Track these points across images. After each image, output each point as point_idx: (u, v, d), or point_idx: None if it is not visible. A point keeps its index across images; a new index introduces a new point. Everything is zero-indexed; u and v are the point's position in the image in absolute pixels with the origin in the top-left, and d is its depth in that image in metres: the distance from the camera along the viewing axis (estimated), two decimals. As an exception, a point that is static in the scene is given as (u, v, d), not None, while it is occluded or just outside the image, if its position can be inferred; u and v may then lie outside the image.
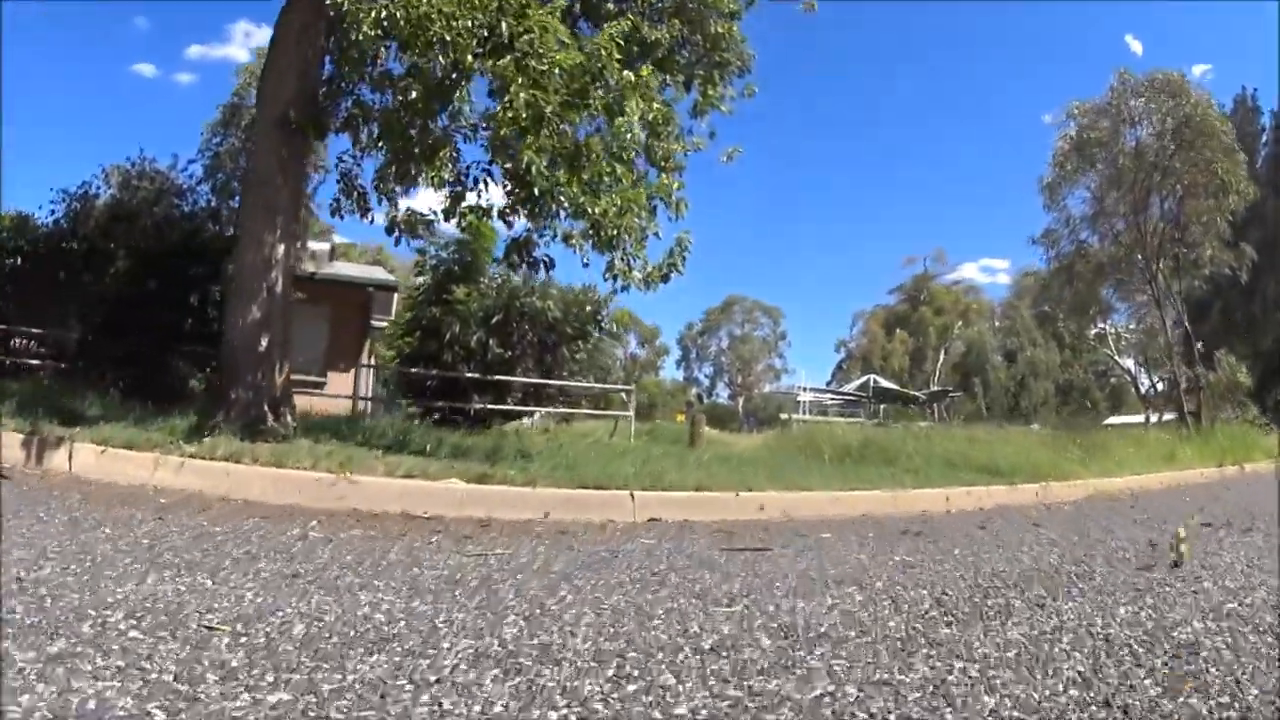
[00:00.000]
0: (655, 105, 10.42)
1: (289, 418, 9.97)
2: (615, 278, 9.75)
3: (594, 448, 12.88)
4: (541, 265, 10.56)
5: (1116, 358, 59.61)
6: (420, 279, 19.68)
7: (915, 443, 15.36)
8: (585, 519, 7.78)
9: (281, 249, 10.17)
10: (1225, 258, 32.57)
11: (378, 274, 28.73)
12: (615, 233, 9.43)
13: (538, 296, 18.26)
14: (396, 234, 10.92)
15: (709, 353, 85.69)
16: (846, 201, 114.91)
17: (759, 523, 8.25)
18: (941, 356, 72.61)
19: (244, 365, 9.83)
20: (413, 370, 18.26)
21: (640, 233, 9.70)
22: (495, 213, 10.32)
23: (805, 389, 46.55)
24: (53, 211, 16.17)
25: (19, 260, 15.42)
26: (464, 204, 10.33)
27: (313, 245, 24.81)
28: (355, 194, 11.03)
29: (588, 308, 18.92)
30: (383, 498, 7.64)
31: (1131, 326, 56.35)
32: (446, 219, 10.37)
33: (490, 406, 17.31)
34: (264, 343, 9.90)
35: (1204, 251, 31.65)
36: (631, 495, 8.22)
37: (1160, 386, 54.91)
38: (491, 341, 17.83)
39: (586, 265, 9.76)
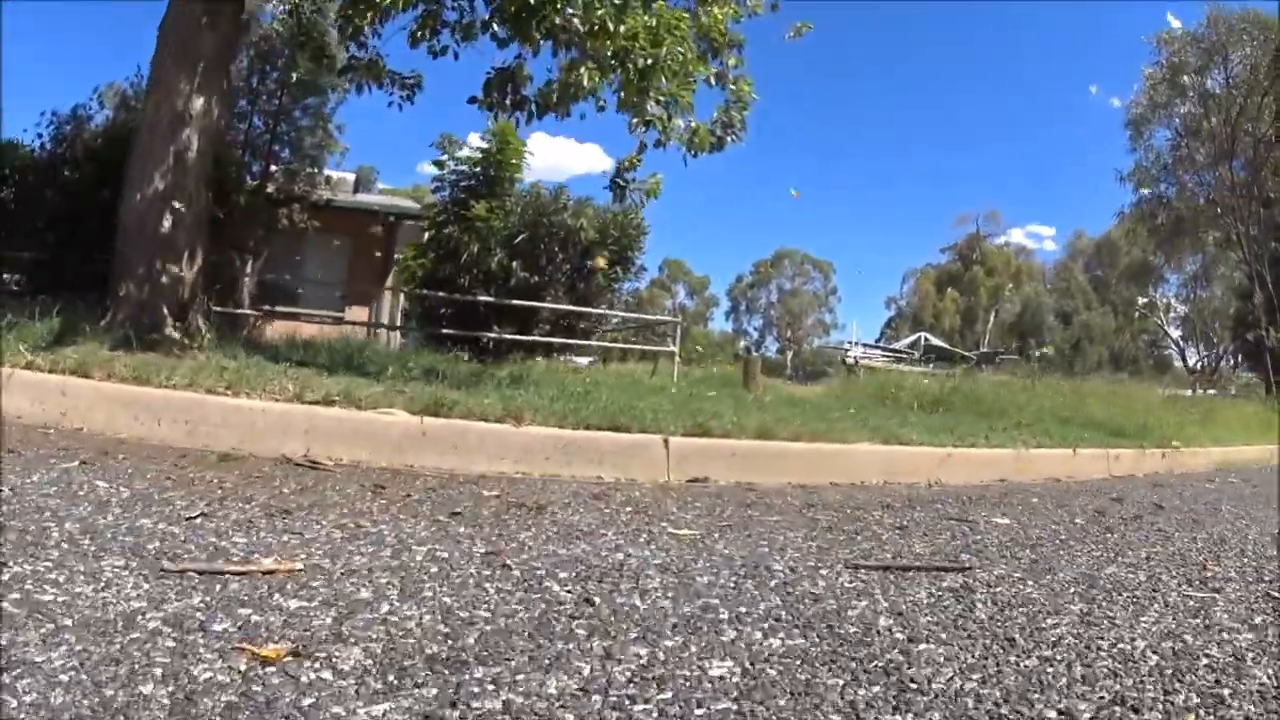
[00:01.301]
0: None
1: (199, 324, 7.03)
2: (648, 126, 6.68)
3: (624, 382, 9.88)
4: (532, 108, 7.41)
5: (1166, 328, 57.13)
6: (437, 196, 16.72)
7: (1011, 394, 12.31)
8: (585, 477, 4.91)
9: (200, 104, 7.25)
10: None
11: (402, 202, 25.80)
12: (649, 64, 6.34)
13: (570, 214, 15.21)
14: (353, 78, 7.93)
15: (758, 305, 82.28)
16: (898, 162, 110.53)
17: (863, 491, 5.27)
18: (992, 317, 69.15)
19: (136, 253, 6.99)
20: (422, 292, 15.43)
21: (683, 72, 6.62)
22: (479, 25, 7.20)
23: (855, 344, 43.58)
24: (39, 135, 14.43)
25: (7, 189, 13.77)
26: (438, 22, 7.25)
27: (333, 173, 22.08)
28: (312, 39, 8.01)
29: (629, 229, 15.83)
30: (277, 431, 4.79)
31: (1182, 297, 54.26)
32: (413, 45, 7.32)
33: (512, 337, 14.30)
34: (166, 224, 7.01)
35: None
36: (665, 441, 5.25)
37: (1207, 360, 52.79)
38: (515, 264, 14.84)
39: (602, 109, 6.72)
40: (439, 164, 16.50)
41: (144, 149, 7.17)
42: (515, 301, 14.32)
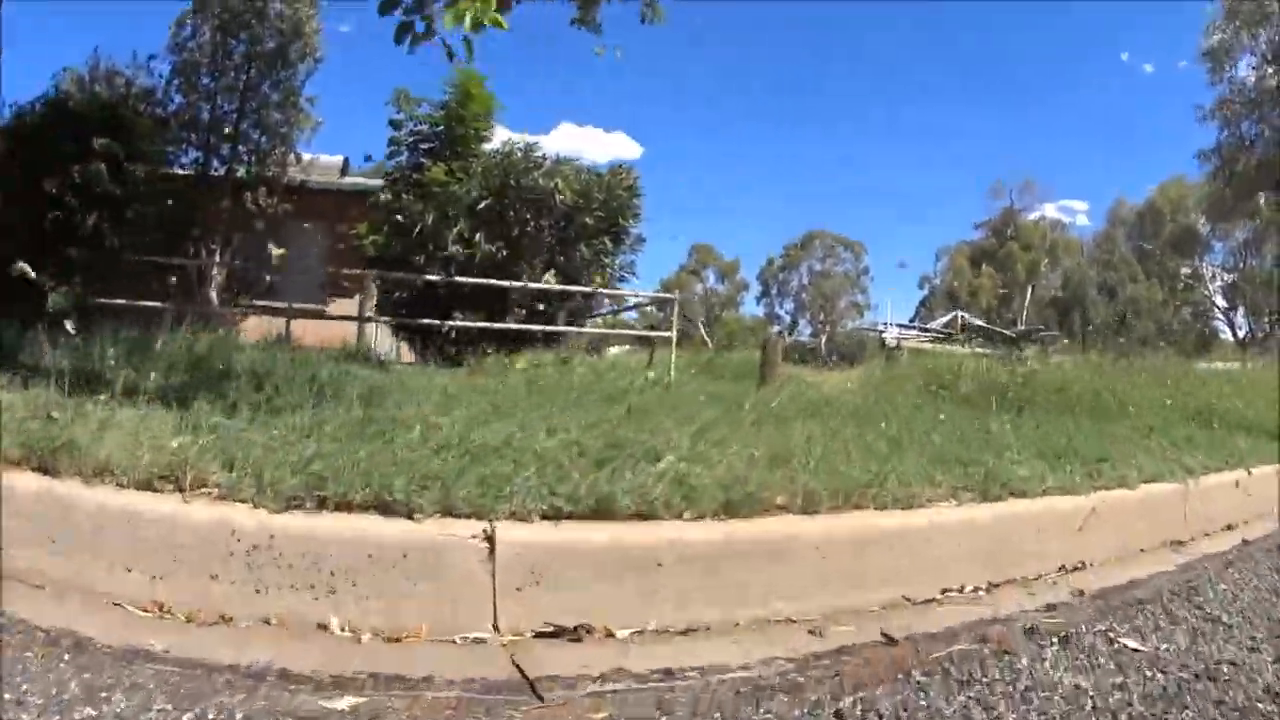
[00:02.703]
0: None
1: None
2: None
3: (569, 382, 6.77)
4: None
5: (1213, 298, 54.78)
6: (392, 162, 13.76)
7: (1106, 380, 9.13)
8: (293, 627, 1.86)
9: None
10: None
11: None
12: None
13: (543, 174, 12.11)
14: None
15: (790, 289, 78.41)
16: (928, 135, 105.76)
17: (983, 671, 2.16)
18: (1029, 293, 65.33)
19: None
20: (357, 273, 12.71)
21: None
22: None
23: (890, 324, 40.51)
24: (2, 130, 12.66)
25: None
26: None
27: (315, 155, 19.74)
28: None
29: (619, 191, 12.76)
30: None
31: (1229, 266, 52.48)
32: None
33: (479, 325, 11.26)
34: None
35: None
36: (488, 537, 2.23)
37: (1255, 330, 49.73)
38: (479, 237, 11.80)
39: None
40: (395, 124, 13.57)
41: None
42: (469, 279, 11.27)
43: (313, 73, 17.89)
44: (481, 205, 11.82)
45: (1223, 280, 53.69)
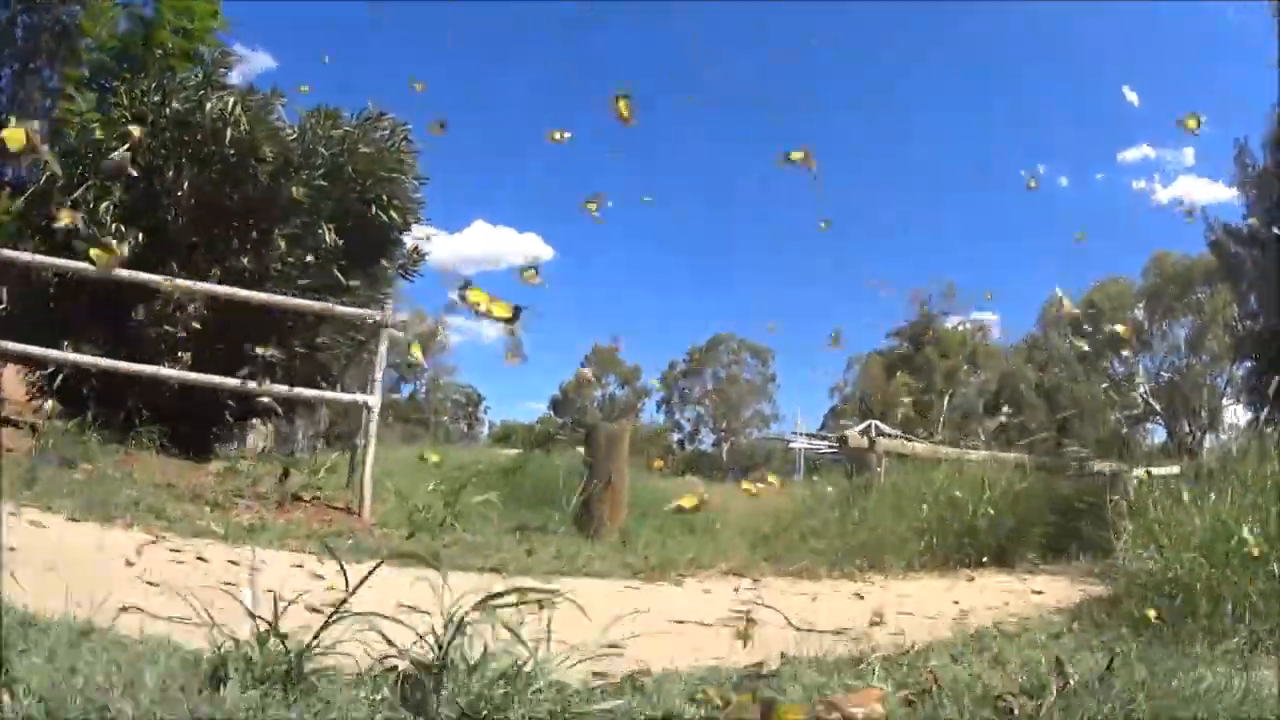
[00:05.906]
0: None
1: None
2: None
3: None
4: None
5: (1151, 401, 52.45)
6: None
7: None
8: None
9: None
10: None
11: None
12: None
13: (215, 99, 7.14)
14: None
15: (692, 396, 75.30)
16: (841, 243, 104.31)
17: None
18: (947, 400, 62.89)
19: None
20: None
21: None
22: None
23: (799, 434, 36.76)
24: None
25: None
26: None
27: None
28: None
29: (362, 147, 7.81)
30: None
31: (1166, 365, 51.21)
32: None
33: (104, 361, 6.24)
34: None
35: None
36: None
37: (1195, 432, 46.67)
38: (104, 208, 6.80)
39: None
40: (74, 55, 8.75)
41: None
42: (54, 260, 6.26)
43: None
44: (113, 155, 6.76)
45: (1159, 380, 52.50)
